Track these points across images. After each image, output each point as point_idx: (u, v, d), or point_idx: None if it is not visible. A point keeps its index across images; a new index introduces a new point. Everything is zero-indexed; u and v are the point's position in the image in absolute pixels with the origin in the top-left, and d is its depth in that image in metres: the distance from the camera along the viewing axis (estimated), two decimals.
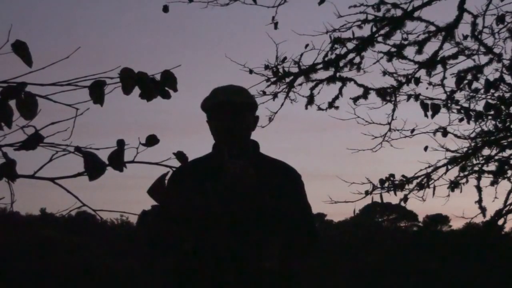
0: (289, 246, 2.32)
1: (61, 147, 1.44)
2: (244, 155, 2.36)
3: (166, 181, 1.67)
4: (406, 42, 5.37)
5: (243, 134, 2.43)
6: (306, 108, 5.73)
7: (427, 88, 5.49)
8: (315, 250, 2.45)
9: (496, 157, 5.82)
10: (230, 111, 2.39)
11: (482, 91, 5.34)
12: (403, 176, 5.86)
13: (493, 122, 5.59)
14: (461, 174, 5.88)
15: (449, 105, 5.43)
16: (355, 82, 5.62)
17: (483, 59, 5.28)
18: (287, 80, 5.64)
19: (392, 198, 5.84)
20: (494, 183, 5.84)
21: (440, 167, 5.89)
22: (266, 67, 5.60)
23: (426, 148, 5.73)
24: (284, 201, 2.31)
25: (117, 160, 1.44)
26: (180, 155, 1.54)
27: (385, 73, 5.54)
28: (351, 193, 5.72)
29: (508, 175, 5.81)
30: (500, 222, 5.95)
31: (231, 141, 2.37)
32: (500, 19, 5.04)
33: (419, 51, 5.35)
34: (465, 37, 5.21)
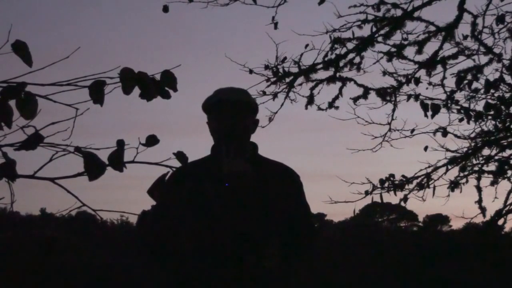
0: (289, 245, 2.32)
1: (61, 147, 1.44)
2: (242, 156, 2.36)
3: (165, 182, 1.67)
4: (406, 42, 5.37)
5: (242, 133, 2.43)
6: (306, 108, 5.74)
7: (427, 88, 5.50)
8: (314, 249, 2.45)
9: (496, 157, 5.82)
10: (230, 109, 2.40)
11: (482, 91, 5.34)
12: (403, 176, 5.86)
13: (493, 122, 5.59)
14: (461, 174, 5.88)
15: (449, 105, 5.43)
16: (355, 82, 5.62)
17: (483, 59, 5.29)
18: (287, 80, 5.64)
19: (392, 198, 5.84)
20: (494, 183, 5.84)
21: (440, 167, 5.89)
22: (266, 67, 5.60)
23: (426, 148, 5.73)
24: (283, 201, 2.32)
25: (117, 160, 1.44)
26: (180, 155, 1.54)
27: (385, 73, 5.54)
28: (351, 193, 5.73)
29: (508, 175, 5.82)
30: (500, 222, 5.95)
31: (229, 140, 2.37)
32: (500, 19, 5.04)
33: (419, 51, 5.35)
34: (465, 37, 5.21)
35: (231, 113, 2.40)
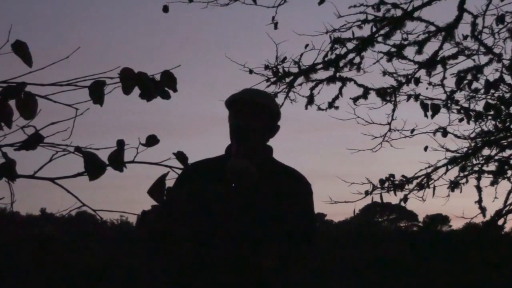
0: (288, 246, 2.32)
1: (61, 147, 1.44)
2: (254, 157, 2.35)
3: (167, 181, 1.67)
4: (406, 42, 5.37)
5: (256, 135, 2.40)
6: (306, 108, 5.74)
7: (427, 88, 5.50)
8: (311, 256, 2.44)
9: (496, 157, 5.82)
10: (247, 110, 2.39)
11: (482, 91, 5.34)
12: (403, 176, 5.86)
13: (493, 122, 5.59)
14: (461, 174, 5.88)
15: (449, 105, 5.43)
16: (355, 82, 5.62)
17: (483, 59, 5.29)
18: (287, 80, 5.64)
19: (392, 198, 5.84)
20: (494, 183, 5.84)
21: (440, 167, 5.89)
22: (266, 67, 5.61)
23: (426, 148, 5.73)
24: (287, 204, 2.31)
25: (117, 160, 1.44)
26: (180, 155, 1.54)
27: (385, 73, 5.54)
28: (351, 193, 5.73)
29: (508, 175, 5.82)
30: (500, 222, 5.95)
31: (241, 140, 2.37)
32: (500, 19, 5.04)
33: (419, 51, 5.35)
34: (465, 37, 5.21)
35: (247, 113, 2.39)
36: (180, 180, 2.28)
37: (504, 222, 5.95)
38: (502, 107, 5.38)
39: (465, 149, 5.83)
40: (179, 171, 1.57)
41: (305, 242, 2.34)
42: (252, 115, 2.39)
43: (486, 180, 5.93)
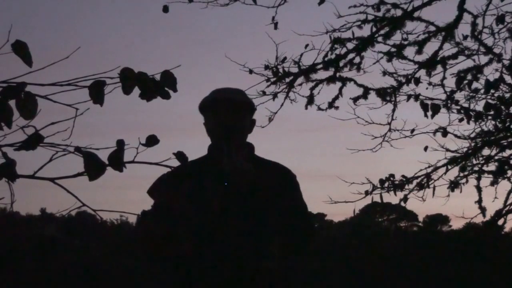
0: (287, 243, 2.33)
1: (61, 147, 1.43)
2: (243, 155, 2.37)
3: (165, 181, 1.67)
4: (406, 42, 5.37)
5: (241, 132, 2.44)
6: (306, 108, 5.74)
7: (427, 88, 5.49)
8: (311, 247, 2.46)
9: (496, 157, 5.82)
10: (229, 108, 2.41)
11: (482, 91, 5.34)
12: (403, 176, 5.86)
13: (493, 122, 5.59)
14: (461, 174, 5.88)
15: (449, 105, 5.43)
16: (355, 82, 5.62)
17: (483, 59, 5.28)
18: (287, 80, 5.64)
19: (392, 198, 5.84)
20: (494, 183, 5.84)
21: (440, 167, 5.89)
22: (266, 67, 5.60)
23: (426, 148, 5.73)
24: (281, 200, 2.32)
25: (117, 160, 1.44)
26: (180, 155, 1.54)
27: (385, 73, 5.53)
28: (351, 193, 5.73)
29: (508, 175, 5.82)
30: (500, 222, 5.95)
31: (230, 139, 2.38)
32: (500, 19, 5.04)
33: (419, 51, 5.34)
34: (465, 37, 5.21)
35: (230, 112, 2.41)
36: (170, 183, 2.27)
37: (504, 222, 5.95)
38: (502, 107, 5.38)
39: (465, 149, 5.84)
40: None
41: (305, 235, 2.36)
42: (234, 113, 2.41)
43: (486, 180, 5.94)
